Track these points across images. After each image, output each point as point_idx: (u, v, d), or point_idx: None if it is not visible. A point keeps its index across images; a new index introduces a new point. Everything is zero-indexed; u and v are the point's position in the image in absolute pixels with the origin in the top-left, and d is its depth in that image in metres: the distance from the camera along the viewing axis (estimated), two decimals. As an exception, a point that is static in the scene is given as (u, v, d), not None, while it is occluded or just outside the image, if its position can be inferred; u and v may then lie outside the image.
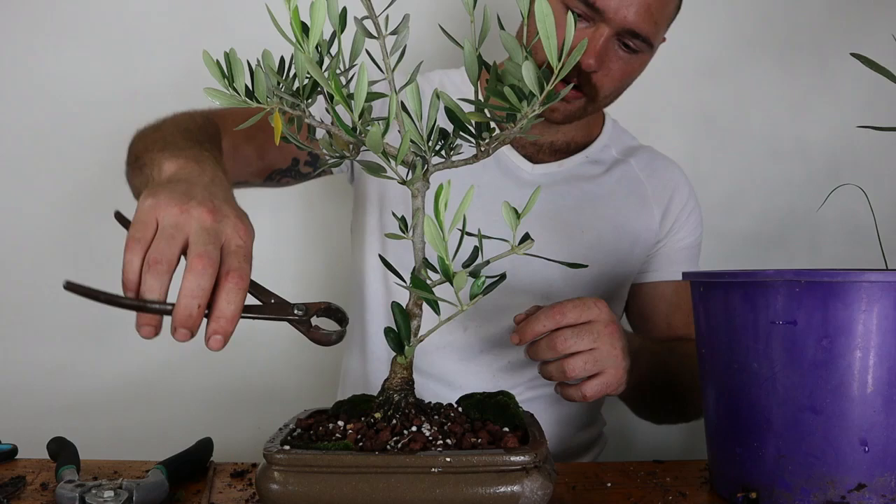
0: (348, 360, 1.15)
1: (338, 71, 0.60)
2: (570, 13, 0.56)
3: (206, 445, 0.81)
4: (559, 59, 0.54)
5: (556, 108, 0.97)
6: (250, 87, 0.58)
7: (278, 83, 0.61)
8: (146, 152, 0.77)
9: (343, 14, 0.59)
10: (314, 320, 0.65)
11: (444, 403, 0.67)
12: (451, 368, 1.04)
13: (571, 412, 1.08)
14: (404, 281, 0.60)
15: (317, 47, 0.57)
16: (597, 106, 1.01)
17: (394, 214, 0.65)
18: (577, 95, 0.96)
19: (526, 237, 0.62)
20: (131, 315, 0.59)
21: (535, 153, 1.07)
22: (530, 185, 1.05)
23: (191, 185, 0.65)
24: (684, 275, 0.78)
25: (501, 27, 0.61)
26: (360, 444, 0.57)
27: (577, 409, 1.08)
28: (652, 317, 1.13)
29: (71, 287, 0.57)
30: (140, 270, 0.58)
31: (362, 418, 0.61)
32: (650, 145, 1.17)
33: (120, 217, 0.68)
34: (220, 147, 0.87)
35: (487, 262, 0.62)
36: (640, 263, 1.12)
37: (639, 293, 1.14)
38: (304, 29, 0.55)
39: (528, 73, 0.54)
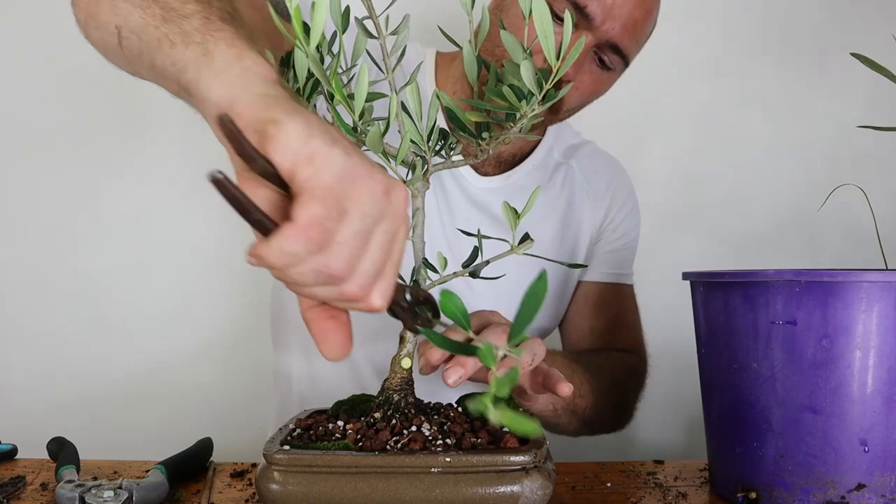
0: (286, 360, 1.05)
1: (339, 70, 0.60)
2: (566, 13, 0.56)
3: (206, 445, 0.81)
4: (557, 58, 0.54)
5: None
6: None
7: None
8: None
9: (346, 13, 0.59)
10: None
11: (444, 403, 0.67)
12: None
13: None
14: (403, 280, 0.60)
15: (317, 47, 0.57)
16: (556, 119, 0.97)
17: None
18: None
19: (525, 237, 0.62)
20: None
21: (481, 164, 1.01)
22: (475, 198, 1.00)
23: (334, 132, 0.45)
24: (684, 275, 0.78)
25: (503, 27, 0.61)
26: (360, 444, 0.57)
27: None
28: (573, 317, 1.10)
29: (218, 182, 0.41)
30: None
31: (362, 418, 0.61)
32: (592, 140, 1.13)
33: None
34: None
35: (487, 263, 0.62)
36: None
37: None
38: (305, 28, 0.55)
39: (526, 73, 0.54)
